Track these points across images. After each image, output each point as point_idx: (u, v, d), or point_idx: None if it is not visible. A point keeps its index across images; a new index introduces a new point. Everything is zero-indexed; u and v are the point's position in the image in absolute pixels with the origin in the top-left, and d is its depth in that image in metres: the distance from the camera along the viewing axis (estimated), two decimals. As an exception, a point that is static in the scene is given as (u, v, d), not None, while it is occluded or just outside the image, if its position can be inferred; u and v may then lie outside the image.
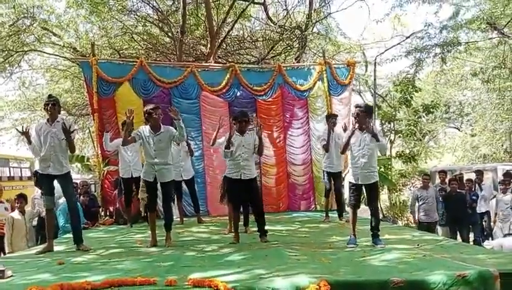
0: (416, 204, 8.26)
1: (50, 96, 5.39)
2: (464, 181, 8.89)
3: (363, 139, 5.14)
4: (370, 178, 5.17)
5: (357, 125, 5.14)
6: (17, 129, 5.22)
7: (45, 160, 5.19)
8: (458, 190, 8.36)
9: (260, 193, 5.99)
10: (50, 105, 5.18)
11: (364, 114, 5.16)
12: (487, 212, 8.80)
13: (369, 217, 5.32)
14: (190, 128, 8.90)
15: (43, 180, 5.36)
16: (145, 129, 5.50)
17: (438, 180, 9.48)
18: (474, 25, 12.69)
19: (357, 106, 5.35)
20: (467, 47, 13.96)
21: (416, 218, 8.37)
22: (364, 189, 5.28)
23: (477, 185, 9.02)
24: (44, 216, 6.66)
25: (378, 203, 8.45)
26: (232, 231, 5.90)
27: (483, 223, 8.83)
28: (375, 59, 13.55)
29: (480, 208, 8.52)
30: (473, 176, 9.65)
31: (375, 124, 5.30)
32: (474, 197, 8.32)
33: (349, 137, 5.18)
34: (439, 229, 8.38)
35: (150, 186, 5.52)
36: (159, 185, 5.55)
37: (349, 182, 5.30)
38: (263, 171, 9.32)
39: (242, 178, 5.56)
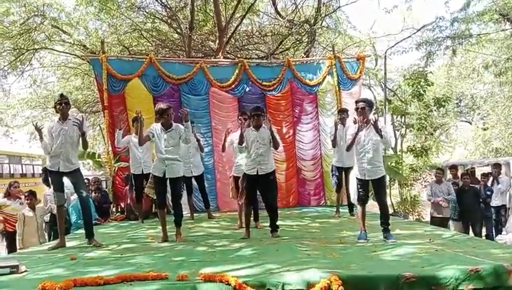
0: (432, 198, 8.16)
1: (61, 95, 5.44)
2: (479, 175, 8.77)
3: (367, 134, 5.12)
4: (376, 173, 5.15)
5: (364, 120, 5.11)
6: (33, 123, 5.30)
7: (55, 157, 5.26)
8: (471, 185, 8.27)
9: (276, 188, 5.95)
10: (63, 104, 5.25)
11: (369, 108, 5.18)
12: (503, 206, 8.69)
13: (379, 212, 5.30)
14: (200, 125, 8.94)
15: (53, 177, 5.42)
16: (157, 127, 5.54)
17: (449, 176, 9.39)
18: (486, 16, 12.48)
19: (359, 101, 5.31)
20: (478, 39, 13.74)
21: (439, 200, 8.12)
22: (372, 184, 5.25)
23: (494, 178, 8.89)
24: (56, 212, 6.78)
25: (388, 198, 8.40)
26: (243, 226, 5.91)
27: (501, 217, 8.71)
28: (385, 53, 13.43)
29: (496, 201, 8.40)
30: (485, 170, 9.54)
31: (378, 119, 5.24)
32: (488, 193, 8.19)
33: (356, 135, 5.14)
34: (451, 224, 8.30)
35: (159, 182, 5.54)
36: (168, 181, 5.57)
37: (356, 178, 5.28)
38: (273, 166, 9.29)
39: (259, 173, 5.57)
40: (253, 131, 5.65)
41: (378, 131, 5.04)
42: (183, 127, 5.55)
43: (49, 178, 5.61)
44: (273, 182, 5.72)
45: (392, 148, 13.34)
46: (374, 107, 5.47)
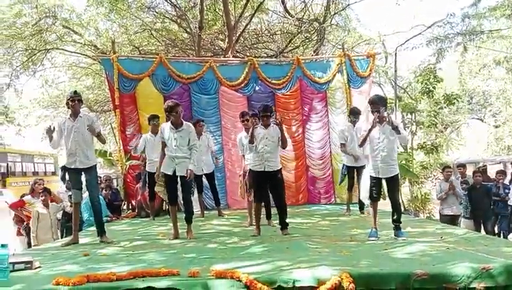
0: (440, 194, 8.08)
1: (75, 92, 5.50)
2: (494, 173, 8.61)
3: (382, 132, 5.09)
4: (390, 171, 5.13)
5: (377, 119, 5.08)
6: (50, 126, 5.36)
7: (72, 155, 5.33)
8: (482, 182, 8.18)
9: (284, 185, 5.97)
10: (76, 101, 5.32)
11: (383, 106, 5.15)
12: None
13: (391, 210, 5.27)
14: (209, 124, 8.98)
15: (70, 175, 5.50)
16: (166, 126, 5.58)
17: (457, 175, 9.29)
18: (497, 11, 12.33)
19: (374, 102, 5.19)
20: (490, 35, 13.58)
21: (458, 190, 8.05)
22: (385, 182, 5.23)
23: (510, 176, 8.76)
24: (69, 210, 6.86)
25: (399, 196, 8.35)
26: (253, 223, 5.93)
27: None
28: (396, 50, 13.32)
29: None
30: (496, 168, 9.42)
31: (395, 116, 5.21)
32: (507, 191, 8.03)
33: (369, 132, 5.11)
34: (462, 222, 8.23)
35: (169, 179, 5.59)
36: (179, 178, 5.62)
37: (370, 176, 5.27)
38: (282, 165, 9.29)
39: (266, 170, 5.59)
40: (262, 128, 5.67)
41: (394, 128, 5.01)
42: (193, 127, 5.65)
43: (67, 176, 5.67)
44: (280, 179, 5.73)
45: (403, 146, 13.28)
46: (387, 104, 5.41)
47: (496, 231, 8.07)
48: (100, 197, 7.44)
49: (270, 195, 5.90)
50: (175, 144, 5.50)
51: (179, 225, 5.64)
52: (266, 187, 5.75)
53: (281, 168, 5.78)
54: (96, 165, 5.55)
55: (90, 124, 5.29)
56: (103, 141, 5.68)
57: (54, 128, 5.33)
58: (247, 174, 6.22)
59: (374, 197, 5.23)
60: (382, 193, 5.48)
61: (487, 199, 7.98)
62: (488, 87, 22.29)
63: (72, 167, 5.35)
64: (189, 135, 5.55)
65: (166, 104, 5.61)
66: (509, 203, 8.06)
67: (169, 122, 5.57)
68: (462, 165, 9.16)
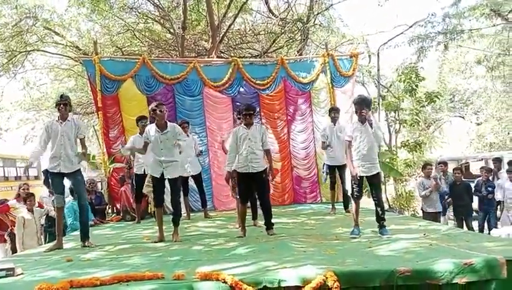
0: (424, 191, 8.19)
1: (62, 96, 5.45)
2: (478, 170, 8.72)
3: (364, 131, 5.16)
4: (372, 169, 5.21)
5: (360, 119, 5.16)
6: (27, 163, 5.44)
7: (55, 158, 5.26)
8: (463, 179, 8.31)
9: (268, 185, 5.97)
10: (62, 105, 5.27)
11: (366, 106, 5.21)
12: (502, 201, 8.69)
13: (374, 208, 5.34)
14: (194, 125, 8.95)
15: (53, 179, 5.41)
16: (151, 128, 5.54)
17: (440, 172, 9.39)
18: (477, 11, 12.57)
19: (357, 103, 5.26)
20: (470, 34, 13.83)
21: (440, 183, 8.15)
22: (367, 181, 5.29)
23: (494, 173, 8.87)
24: (53, 215, 6.76)
25: (383, 194, 8.44)
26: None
27: (498, 211, 8.71)
28: (378, 49, 13.47)
29: (498, 196, 8.41)
30: (479, 165, 9.56)
31: (369, 114, 5.28)
32: (489, 189, 8.15)
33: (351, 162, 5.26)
34: (442, 218, 8.35)
35: (157, 181, 5.55)
36: (166, 181, 5.58)
37: (351, 175, 5.32)
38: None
39: (250, 171, 5.58)
40: (245, 129, 5.65)
41: (370, 125, 5.09)
42: (178, 128, 5.62)
43: (50, 180, 5.59)
44: (265, 180, 5.72)
45: (386, 144, 13.42)
46: (371, 105, 5.46)
47: (487, 228, 8.14)
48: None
49: (256, 196, 5.90)
50: (161, 148, 5.47)
51: (164, 227, 5.61)
52: (251, 188, 5.74)
53: (266, 168, 5.76)
54: (80, 169, 5.49)
55: (77, 129, 5.27)
56: (84, 148, 5.51)
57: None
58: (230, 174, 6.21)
59: (356, 196, 5.29)
60: (366, 191, 5.55)
61: (467, 195, 8.11)
62: (470, 86, 22.69)
63: (55, 171, 5.28)
64: (175, 135, 5.52)
65: (150, 106, 5.60)
66: (496, 199, 8.19)
67: (154, 124, 5.54)
68: (444, 163, 9.28)
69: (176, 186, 5.62)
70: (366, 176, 5.23)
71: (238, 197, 6.23)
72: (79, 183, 5.44)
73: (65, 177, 5.35)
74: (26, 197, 7.13)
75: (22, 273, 3.86)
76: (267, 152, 5.76)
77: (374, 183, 5.30)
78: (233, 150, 5.66)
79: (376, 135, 5.23)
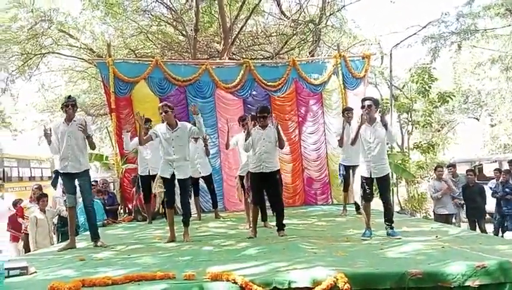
0: (436, 194, 8.09)
1: (69, 97, 5.54)
2: (497, 171, 8.56)
3: (373, 133, 5.15)
4: (382, 171, 5.20)
5: (366, 116, 5.13)
6: (44, 128, 5.37)
7: (64, 159, 5.33)
8: (476, 181, 8.20)
9: (281, 186, 5.98)
10: (69, 106, 5.32)
11: (375, 107, 5.23)
12: None
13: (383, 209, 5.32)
14: (206, 127, 8.95)
15: (64, 179, 5.50)
16: (162, 127, 5.59)
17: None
18: (492, 10, 12.39)
19: (366, 99, 5.34)
20: (484, 34, 13.64)
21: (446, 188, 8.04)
22: (376, 182, 5.27)
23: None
24: (65, 215, 6.85)
25: (395, 196, 8.35)
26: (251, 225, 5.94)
27: None
28: (391, 50, 13.36)
29: None
30: (493, 166, 9.41)
31: (383, 115, 5.28)
32: (507, 190, 8.02)
33: (359, 128, 5.19)
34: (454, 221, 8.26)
35: (167, 182, 5.59)
36: (176, 181, 5.61)
37: (361, 176, 5.31)
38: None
39: (263, 171, 5.60)
40: (260, 130, 5.68)
41: (384, 125, 5.08)
42: (192, 126, 5.62)
43: (61, 180, 5.66)
44: (278, 180, 5.75)
45: (398, 145, 13.30)
46: (380, 105, 5.46)
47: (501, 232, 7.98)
48: (98, 201, 7.47)
49: (266, 197, 5.91)
50: (173, 145, 5.50)
51: (175, 228, 5.64)
52: (264, 189, 5.75)
53: (279, 169, 5.79)
54: (88, 170, 5.54)
55: (83, 128, 5.25)
56: (93, 146, 5.60)
57: (50, 130, 5.33)
58: (245, 177, 6.23)
59: (367, 198, 5.28)
60: (376, 192, 5.53)
61: (480, 197, 8.00)
62: (484, 86, 22.37)
63: (65, 171, 5.35)
64: (187, 132, 5.55)
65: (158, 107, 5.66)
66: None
67: (164, 123, 5.58)
68: (452, 165, 9.17)
69: (185, 186, 5.66)
70: (377, 178, 5.20)
71: (246, 198, 6.27)
72: (85, 184, 5.46)
73: (75, 177, 5.38)
74: (39, 197, 7.24)
75: (35, 272, 3.92)
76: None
77: (384, 185, 5.29)
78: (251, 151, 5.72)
79: (390, 135, 5.20)
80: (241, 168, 6.52)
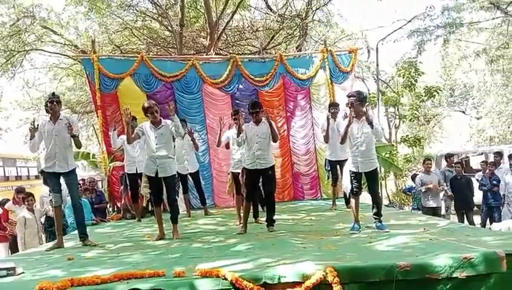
0: (420, 187, 8.19)
1: (53, 94, 5.41)
2: (484, 164, 8.67)
3: (360, 128, 5.18)
4: (370, 165, 5.23)
5: (353, 114, 5.15)
6: (31, 124, 5.22)
7: (50, 158, 5.24)
8: (464, 173, 8.30)
9: (275, 183, 5.98)
10: (54, 103, 5.21)
11: (359, 103, 5.21)
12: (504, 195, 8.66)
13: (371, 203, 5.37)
14: (194, 123, 8.96)
15: (50, 178, 5.41)
16: (146, 125, 5.53)
17: (444, 165, 9.36)
18: (476, 3, 12.52)
19: (350, 95, 5.33)
20: (469, 27, 13.79)
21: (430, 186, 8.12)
22: (365, 176, 5.31)
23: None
24: (52, 214, 6.77)
25: (383, 189, 8.37)
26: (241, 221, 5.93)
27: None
28: (377, 44, 13.45)
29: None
30: (480, 158, 9.53)
31: (368, 111, 5.30)
32: (494, 182, 8.09)
33: (347, 128, 5.19)
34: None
35: (152, 180, 5.54)
36: (162, 179, 5.56)
37: (350, 171, 5.34)
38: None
39: (258, 168, 5.59)
40: (253, 126, 5.66)
41: (369, 123, 5.09)
42: (172, 122, 5.56)
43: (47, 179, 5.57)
44: (271, 176, 5.73)
45: (386, 139, 13.41)
46: (366, 100, 5.46)
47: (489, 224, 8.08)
48: (85, 200, 7.40)
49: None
50: (156, 143, 5.44)
51: (164, 225, 5.62)
52: (258, 186, 5.75)
53: (273, 165, 5.76)
54: (75, 168, 5.46)
55: (69, 127, 5.14)
56: (79, 144, 5.48)
57: (37, 125, 5.22)
58: (240, 173, 6.21)
59: (355, 192, 5.31)
60: (364, 187, 5.57)
61: (468, 190, 8.10)
62: (469, 80, 22.65)
63: (51, 170, 5.27)
64: (170, 130, 5.49)
65: (142, 105, 5.55)
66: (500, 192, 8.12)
67: (149, 121, 5.53)
68: (450, 155, 9.20)
69: (171, 184, 5.62)
70: (364, 172, 5.24)
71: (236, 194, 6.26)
72: (73, 184, 5.38)
73: (61, 177, 5.32)
74: (25, 197, 7.13)
75: (22, 273, 3.86)
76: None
77: (372, 179, 5.34)
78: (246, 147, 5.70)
79: (377, 133, 5.23)
80: (233, 165, 6.47)
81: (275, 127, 5.77)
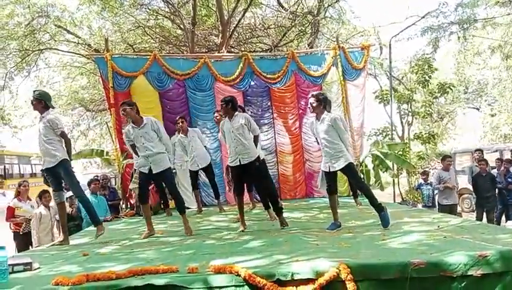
0: (439, 185, 8.09)
1: (34, 91, 5.39)
2: (499, 161, 8.54)
3: (322, 128, 5.18)
4: (340, 163, 5.17)
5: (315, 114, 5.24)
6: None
7: (41, 157, 5.33)
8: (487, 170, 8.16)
9: (266, 174, 5.99)
10: (34, 102, 5.23)
11: (318, 103, 5.20)
12: None
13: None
14: (206, 120, 9.00)
15: (48, 176, 5.39)
16: (129, 127, 5.56)
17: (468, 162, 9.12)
18: (491, -1, 12.34)
19: (311, 96, 5.32)
20: (484, 23, 13.58)
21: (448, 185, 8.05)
22: (344, 175, 5.34)
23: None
24: (69, 211, 6.86)
25: (396, 187, 8.30)
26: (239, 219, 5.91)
27: None
28: (390, 41, 13.33)
29: None
30: (494, 156, 9.38)
31: (330, 110, 5.27)
32: (510, 179, 7.97)
33: (312, 129, 5.32)
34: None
35: (144, 177, 5.58)
36: (155, 176, 5.60)
37: (323, 171, 5.36)
38: (279, 159, 9.37)
39: (241, 163, 5.52)
40: (228, 122, 5.62)
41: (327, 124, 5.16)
42: (155, 119, 5.62)
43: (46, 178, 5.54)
44: (258, 169, 5.62)
45: (399, 136, 13.29)
46: (326, 101, 5.30)
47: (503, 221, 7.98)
48: (102, 197, 7.48)
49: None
50: (142, 142, 5.46)
51: (174, 222, 5.64)
52: (246, 180, 5.74)
53: (257, 158, 5.59)
54: (64, 159, 5.25)
55: (50, 125, 5.16)
56: (67, 142, 5.41)
57: None
58: (225, 170, 6.23)
59: (329, 191, 5.34)
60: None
61: (492, 187, 7.96)
62: (484, 76, 22.32)
63: (44, 168, 5.32)
64: (152, 127, 5.48)
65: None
66: None
67: (130, 123, 5.54)
68: (480, 150, 8.93)
69: (168, 177, 5.65)
70: (339, 170, 5.23)
71: (229, 190, 6.25)
72: (66, 175, 5.29)
73: (56, 172, 5.28)
74: (41, 194, 7.22)
75: (38, 268, 3.93)
76: (256, 138, 5.71)
77: (349, 175, 5.37)
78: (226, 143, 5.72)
79: (338, 128, 5.16)
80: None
81: (251, 120, 5.64)
